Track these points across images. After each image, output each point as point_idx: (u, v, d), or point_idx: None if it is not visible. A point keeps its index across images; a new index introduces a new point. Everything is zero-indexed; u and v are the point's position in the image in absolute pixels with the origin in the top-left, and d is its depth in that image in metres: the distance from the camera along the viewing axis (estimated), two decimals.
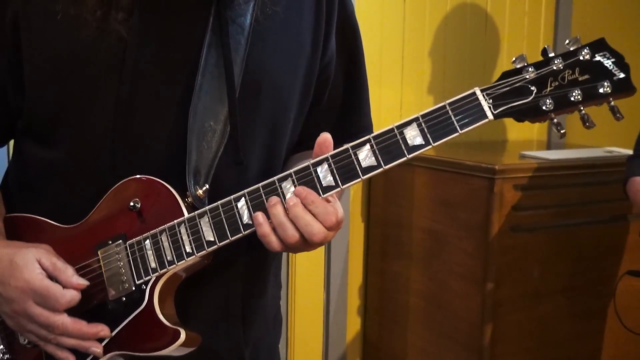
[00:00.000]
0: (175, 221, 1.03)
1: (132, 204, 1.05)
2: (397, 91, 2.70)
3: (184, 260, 1.03)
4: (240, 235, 1.01)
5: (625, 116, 0.95)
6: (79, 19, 1.03)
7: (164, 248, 1.03)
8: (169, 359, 1.06)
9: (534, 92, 0.94)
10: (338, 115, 1.22)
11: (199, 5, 1.06)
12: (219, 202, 1.02)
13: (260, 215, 0.99)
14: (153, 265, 1.04)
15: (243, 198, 1.01)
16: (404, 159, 0.97)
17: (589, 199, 2.35)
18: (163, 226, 1.03)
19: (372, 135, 0.97)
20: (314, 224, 0.97)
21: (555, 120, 0.96)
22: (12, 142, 1.21)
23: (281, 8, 1.09)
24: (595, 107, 0.95)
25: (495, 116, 0.95)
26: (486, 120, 0.95)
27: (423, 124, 0.96)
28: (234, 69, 1.05)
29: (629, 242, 2.42)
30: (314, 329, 2.65)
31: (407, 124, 0.97)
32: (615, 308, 2.18)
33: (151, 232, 1.04)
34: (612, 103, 0.94)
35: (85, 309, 1.06)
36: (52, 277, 1.04)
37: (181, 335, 1.02)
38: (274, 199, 0.99)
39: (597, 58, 0.93)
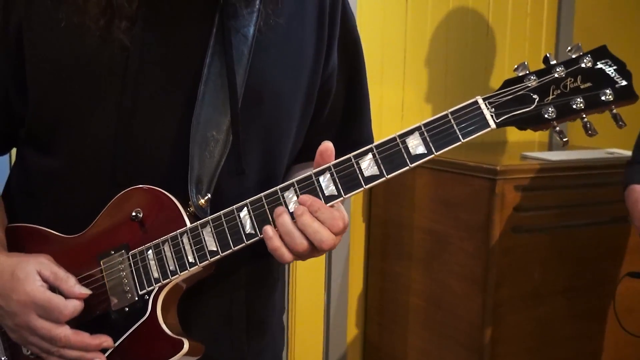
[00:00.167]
0: (177, 231, 1.03)
1: (134, 213, 1.05)
2: (399, 91, 2.70)
3: (186, 271, 1.02)
4: (243, 245, 1.01)
5: (627, 117, 0.95)
6: (82, 27, 1.03)
7: (166, 258, 1.03)
8: None
9: (536, 100, 0.94)
10: (339, 127, 1.22)
11: (203, 15, 1.06)
12: (222, 212, 1.01)
13: (269, 229, 0.98)
14: (156, 275, 1.04)
15: (245, 208, 1.01)
16: (407, 168, 0.97)
17: (590, 200, 2.35)
18: (166, 236, 1.03)
19: (374, 144, 0.97)
20: (323, 231, 0.97)
21: (557, 128, 0.96)
22: (14, 150, 1.21)
23: (284, 20, 1.09)
24: None
25: (498, 125, 0.95)
26: (489, 129, 0.96)
27: (425, 133, 0.96)
28: (236, 78, 1.05)
29: (629, 244, 2.42)
30: (314, 329, 2.65)
31: (409, 133, 0.97)
32: (615, 310, 2.18)
33: (154, 242, 1.04)
34: (615, 111, 0.93)
35: (87, 320, 1.05)
36: (53, 287, 1.04)
37: (184, 345, 1.02)
38: (281, 209, 0.98)
39: (599, 65, 0.93)
